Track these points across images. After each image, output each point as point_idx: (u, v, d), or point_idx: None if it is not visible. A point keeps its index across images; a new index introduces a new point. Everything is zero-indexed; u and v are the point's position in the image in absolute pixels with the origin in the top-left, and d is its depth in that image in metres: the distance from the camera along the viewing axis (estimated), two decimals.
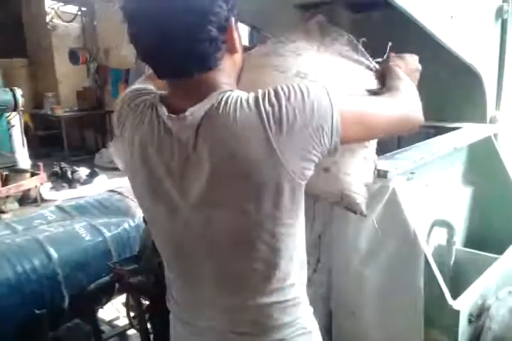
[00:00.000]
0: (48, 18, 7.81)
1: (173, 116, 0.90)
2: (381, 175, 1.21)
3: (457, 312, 1.22)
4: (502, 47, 1.96)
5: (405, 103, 1.06)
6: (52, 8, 7.83)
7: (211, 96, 0.88)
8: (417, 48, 1.88)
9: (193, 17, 0.82)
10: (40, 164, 4.93)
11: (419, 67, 1.27)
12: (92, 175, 5.82)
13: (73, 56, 7.39)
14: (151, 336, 1.98)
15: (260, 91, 0.87)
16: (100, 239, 2.46)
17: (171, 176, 0.92)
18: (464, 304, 1.25)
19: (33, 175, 4.92)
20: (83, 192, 4.97)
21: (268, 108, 0.84)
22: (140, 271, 1.98)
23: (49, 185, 5.42)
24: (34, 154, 5.95)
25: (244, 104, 0.85)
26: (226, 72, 0.93)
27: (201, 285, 1.00)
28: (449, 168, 1.76)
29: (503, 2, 1.90)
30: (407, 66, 1.23)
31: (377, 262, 1.28)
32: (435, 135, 1.79)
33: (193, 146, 0.88)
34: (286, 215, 0.91)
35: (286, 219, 0.92)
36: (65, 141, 7.26)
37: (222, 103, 0.86)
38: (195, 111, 0.88)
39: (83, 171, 5.83)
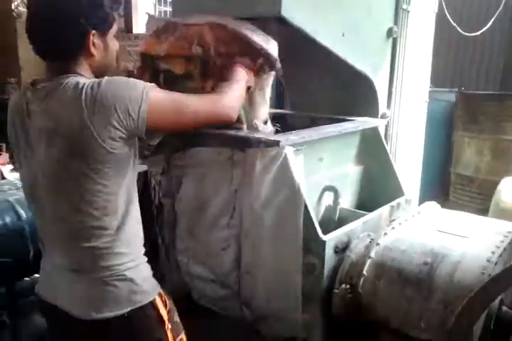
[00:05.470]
0: (13, 5, 7.98)
1: (32, 87, 1.31)
2: (275, 144, 1.72)
3: (324, 242, 1.73)
4: (392, 59, 2.53)
5: (220, 101, 1.44)
6: None
7: (60, 78, 1.28)
8: (326, 56, 2.43)
9: (56, 24, 1.28)
10: (3, 145, 5.21)
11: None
12: None
13: None
14: None
15: (93, 80, 1.26)
16: None
17: (26, 138, 1.34)
18: (330, 238, 1.76)
19: None
20: None
21: (88, 91, 1.22)
22: None
23: (10, 166, 5.69)
24: None
25: (75, 86, 1.24)
26: (83, 66, 1.33)
27: (48, 227, 1.39)
28: (343, 148, 2.29)
29: (394, 24, 2.46)
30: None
31: (272, 206, 1.78)
32: None
33: (40, 112, 1.28)
34: (100, 176, 1.25)
35: (101, 179, 1.25)
36: None
37: (64, 83, 1.26)
38: (46, 86, 1.29)
39: None
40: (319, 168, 2.12)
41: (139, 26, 5.51)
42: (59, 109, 1.25)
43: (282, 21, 2.35)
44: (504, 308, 1.53)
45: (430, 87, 2.99)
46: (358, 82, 2.40)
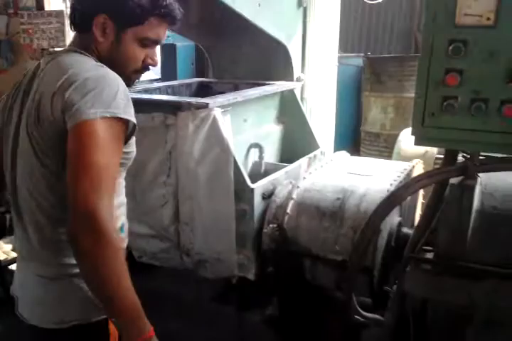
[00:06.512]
0: None
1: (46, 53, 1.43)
2: (204, 106, 1.93)
3: (253, 190, 2.00)
4: (304, 27, 2.79)
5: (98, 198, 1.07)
6: None
7: (69, 49, 1.29)
8: (244, 26, 2.64)
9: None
10: None
11: None
12: None
13: None
14: None
15: (85, 73, 1.15)
16: None
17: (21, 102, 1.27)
18: (257, 186, 2.03)
19: None
20: None
21: (72, 90, 1.12)
22: None
23: None
24: None
25: (63, 67, 1.18)
26: (91, 46, 1.26)
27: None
28: (265, 109, 2.55)
29: None
30: None
31: (205, 163, 2.00)
32: None
33: (42, 76, 1.24)
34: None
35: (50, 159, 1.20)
36: None
37: (66, 55, 1.24)
38: (54, 52, 1.30)
39: None
40: (245, 127, 2.37)
41: (51, 3, 5.27)
42: (49, 79, 1.19)
43: None
44: (402, 229, 1.89)
45: (340, 53, 3.30)
46: (275, 49, 2.64)
